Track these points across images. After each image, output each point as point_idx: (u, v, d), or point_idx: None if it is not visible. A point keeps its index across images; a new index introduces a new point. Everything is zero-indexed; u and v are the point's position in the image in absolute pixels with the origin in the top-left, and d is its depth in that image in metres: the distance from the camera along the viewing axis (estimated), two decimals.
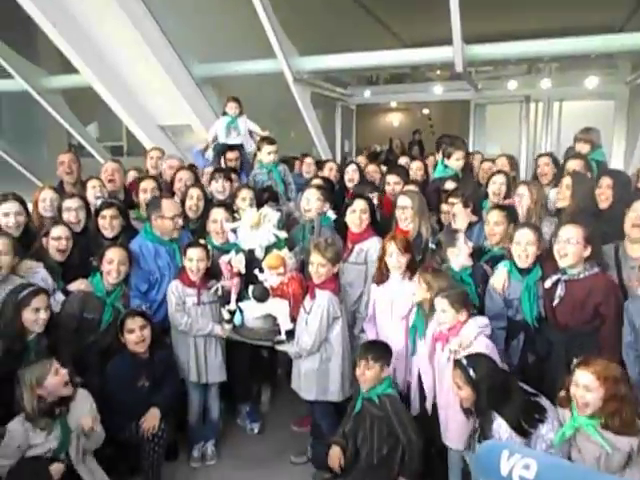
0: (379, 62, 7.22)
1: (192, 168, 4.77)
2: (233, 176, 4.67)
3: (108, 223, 3.74)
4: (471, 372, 2.59)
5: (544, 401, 2.68)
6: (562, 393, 2.55)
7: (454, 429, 2.95)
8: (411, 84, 10.61)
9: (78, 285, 3.44)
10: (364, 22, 9.97)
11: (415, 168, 4.94)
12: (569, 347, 2.97)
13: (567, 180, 3.69)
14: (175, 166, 4.72)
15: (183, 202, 4.05)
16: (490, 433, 2.59)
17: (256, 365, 4.01)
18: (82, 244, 3.69)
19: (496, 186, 3.98)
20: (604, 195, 3.44)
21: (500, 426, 2.56)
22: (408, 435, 2.87)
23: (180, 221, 3.70)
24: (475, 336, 2.87)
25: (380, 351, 3.00)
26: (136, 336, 3.23)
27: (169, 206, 3.67)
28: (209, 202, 4.19)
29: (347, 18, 9.45)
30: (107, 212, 3.76)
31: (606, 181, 3.46)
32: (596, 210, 3.53)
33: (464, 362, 2.64)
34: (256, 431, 3.94)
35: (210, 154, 5.41)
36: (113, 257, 3.38)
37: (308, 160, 5.62)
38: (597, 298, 2.93)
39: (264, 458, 3.67)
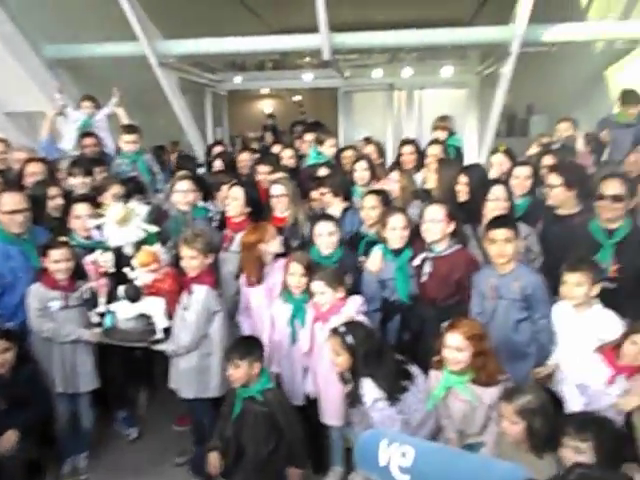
0: (247, 48, 7.11)
1: (45, 160, 4.33)
2: (100, 168, 4.38)
3: None
4: (348, 338, 2.71)
5: (414, 369, 2.89)
6: (435, 358, 2.74)
7: (332, 406, 3.07)
8: (281, 71, 10.61)
9: None
10: (230, 6, 9.74)
11: (286, 157, 4.96)
12: (440, 321, 3.16)
13: (434, 165, 3.93)
14: (23, 159, 4.27)
15: (35, 197, 3.66)
16: (360, 397, 2.72)
17: (131, 367, 3.81)
18: None
19: (359, 172, 4.13)
20: (462, 191, 3.72)
21: (367, 390, 2.69)
22: (292, 426, 2.87)
23: (20, 217, 3.34)
24: (356, 314, 3.00)
25: (246, 348, 2.89)
26: None
27: (6, 200, 3.33)
28: (69, 196, 3.87)
29: (212, 1, 9.16)
30: None
31: (463, 179, 3.72)
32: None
33: (342, 329, 2.75)
34: (134, 436, 3.77)
35: (67, 144, 5.00)
36: None
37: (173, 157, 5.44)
38: (459, 272, 3.18)
39: (145, 464, 3.53)
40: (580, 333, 2.76)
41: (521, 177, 3.76)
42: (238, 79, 10.37)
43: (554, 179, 3.46)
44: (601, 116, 6.25)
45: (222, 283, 3.55)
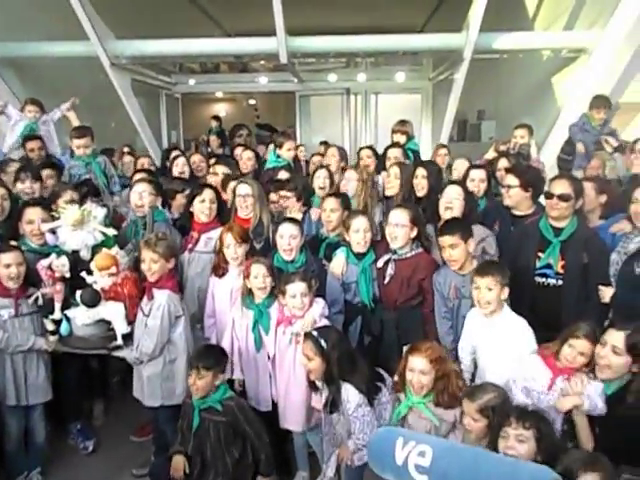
0: (203, 50, 7.05)
1: None
2: (48, 172, 4.21)
3: None
4: (322, 342, 2.69)
5: (381, 371, 2.92)
6: (395, 378, 2.75)
7: (292, 411, 3.05)
8: (236, 74, 10.55)
9: None
10: (184, 8, 9.58)
11: (245, 158, 4.93)
12: (399, 324, 3.23)
13: (395, 169, 3.98)
14: None
15: None
16: (339, 402, 2.71)
17: (86, 377, 3.70)
18: None
19: (320, 180, 4.11)
20: (420, 185, 3.79)
21: (349, 393, 2.68)
22: (258, 433, 2.82)
23: None
24: (320, 318, 2.98)
25: (212, 358, 2.82)
26: None
27: None
28: (17, 201, 3.70)
29: (166, 2, 9.00)
30: None
31: (421, 172, 3.81)
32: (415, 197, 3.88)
33: (315, 334, 2.73)
34: (90, 449, 3.64)
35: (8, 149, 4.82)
36: None
37: (127, 159, 5.31)
38: (421, 274, 3.22)
39: (102, 477, 3.41)
40: (494, 338, 2.82)
41: (476, 179, 3.88)
42: (192, 82, 10.24)
43: (512, 180, 3.57)
44: (548, 122, 6.56)
45: (187, 285, 3.50)
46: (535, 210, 3.57)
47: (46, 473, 3.36)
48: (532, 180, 3.58)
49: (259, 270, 3.07)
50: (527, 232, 3.34)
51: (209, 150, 8.01)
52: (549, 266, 3.19)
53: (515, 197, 3.57)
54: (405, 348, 2.78)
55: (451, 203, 3.42)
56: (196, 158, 5.07)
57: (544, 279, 3.21)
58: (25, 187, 3.88)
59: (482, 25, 6.06)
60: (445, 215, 3.43)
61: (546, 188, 3.40)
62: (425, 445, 1.19)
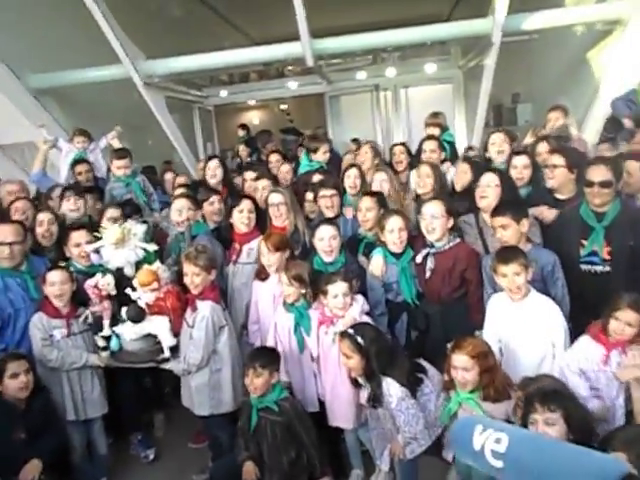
0: (230, 61, 7.13)
1: (30, 199, 4.32)
2: (89, 195, 4.36)
3: None
4: (359, 339, 2.70)
5: (423, 362, 2.92)
6: (445, 377, 2.73)
7: (340, 409, 3.06)
8: (266, 81, 10.65)
9: None
10: (211, 22, 9.77)
11: (284, 171, 4.93)
12: (444, 317, 3.20)
13: (426, 169, 3.89)
14: (15, 191, 4.30)
15: (32, 230, 3.71)
16: (382, 397, 2.72)
17: (141, 389, 3.80)
18: None
19: (351, 180, 4.07)
20: (462, 181, 3.75)
21: (390, 387, 2.69)
22: (309, 433, 2.86)
23: (6, 249, 3.28)
24: (360, 315, 2.99)
25: (268, 357, 2.90)
26: (20, 381, 2.91)
27: None
28: (63, 225, 3.85)
29: (193, 18, 9.19)
30: None
31: (463, 167, 3.75)
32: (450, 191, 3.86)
33: (351, 331, 2.74)
34: (151, 457, 3.73)
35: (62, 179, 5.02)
36: None
37: (168, 176, 5.46)
38: (462, 265, 3.19)
39: None
40: (524, 321, 2.79)
41: (519, 166, 3.75)
42: (224, 93, 10.40)
43: (557, 160, 3.45)
44: (586, 100, 6.31)
45: (234, 295, 3.57)
46: (576, 194, 3.46)
47: None
48: (577, 161, 3.46)
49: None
50: (568, 219, 3.25)
51: (239, 161, 8.10)
52: (594, 253, 3.08)
53: (560, 177, 3.46)
54: (449, 345, 2.75)
55: (485, 192, 3.36)
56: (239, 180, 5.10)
57: (590, 266, 3.12)
58: (70, 204, 4.02)
59: (509, 7, 5.90)
60: (481, 204, 3.37)
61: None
62: (501, 432, 1.22)
